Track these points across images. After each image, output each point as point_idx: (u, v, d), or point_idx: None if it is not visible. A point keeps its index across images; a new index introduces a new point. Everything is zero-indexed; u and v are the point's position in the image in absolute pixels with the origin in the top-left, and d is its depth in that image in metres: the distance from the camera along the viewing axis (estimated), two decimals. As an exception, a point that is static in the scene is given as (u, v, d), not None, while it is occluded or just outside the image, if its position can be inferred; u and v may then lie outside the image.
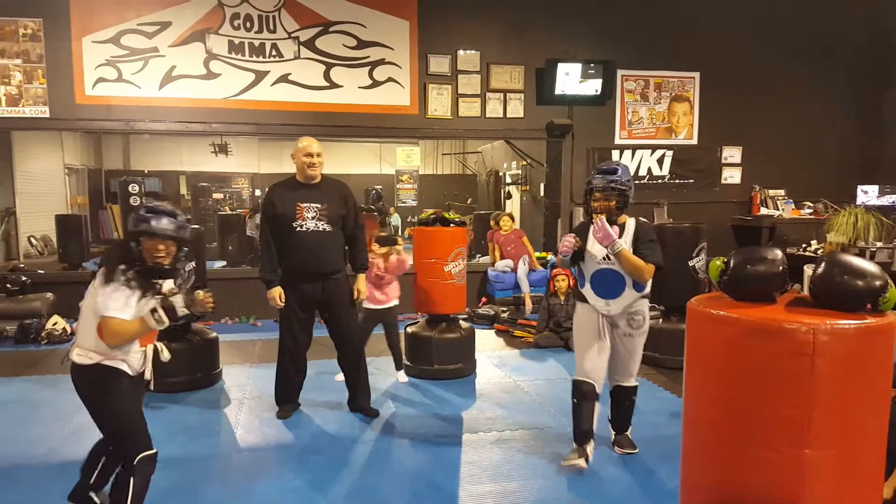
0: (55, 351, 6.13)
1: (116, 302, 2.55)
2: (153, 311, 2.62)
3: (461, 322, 5.50)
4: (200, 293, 2.80)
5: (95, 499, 2.96)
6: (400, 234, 17.21)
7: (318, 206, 4.08)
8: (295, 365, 4.35)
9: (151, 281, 2.68)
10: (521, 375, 5.40)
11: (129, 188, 11.08)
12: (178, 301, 2.68)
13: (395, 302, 5.08)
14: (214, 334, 5.27)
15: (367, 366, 4.53)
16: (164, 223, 2.66)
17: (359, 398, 4.42)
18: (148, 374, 2.86)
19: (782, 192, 8.70)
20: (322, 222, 4.08)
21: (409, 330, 5.43)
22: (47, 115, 7.09)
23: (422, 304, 5.46)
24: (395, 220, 17.60)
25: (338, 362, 4.47)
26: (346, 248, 4.31)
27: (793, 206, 8.52)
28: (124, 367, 2.69)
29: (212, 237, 10.78)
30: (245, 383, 5.16)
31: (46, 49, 6.99)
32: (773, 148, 8.66)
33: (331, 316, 4.28)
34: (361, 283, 4.32)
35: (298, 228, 4.05)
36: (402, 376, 5.21)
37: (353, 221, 4.24)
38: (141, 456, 2.70)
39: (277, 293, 4.12)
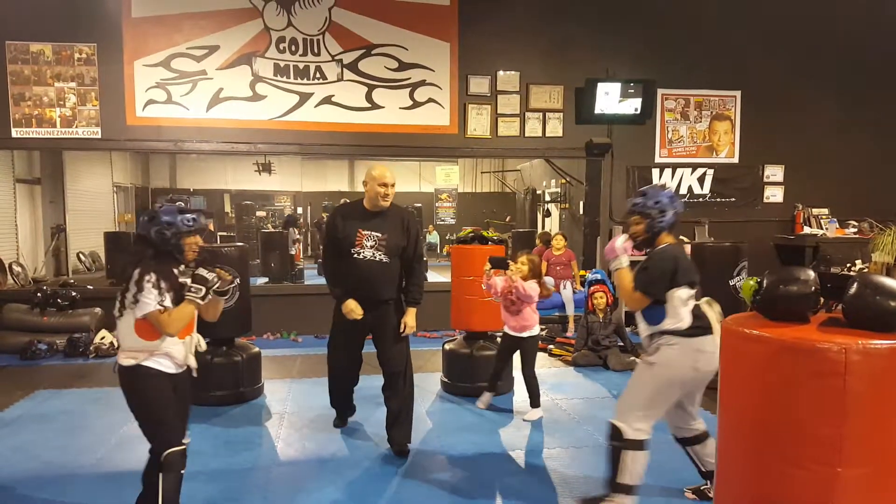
0: (103, 364, 6.33)
1: (155, 296, 2.72)
2: (188, 289, 2.79)
3: (498, 339, 5.49)
4: (220, 270, 2.96)
5: None
6: (438, 251, 17.37)
7: (378, 235, 3.99)
8: (345, 383, 4.40)
9: (173, 271, 2.85)
10: (558, 393, 5.37)
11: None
12: (202, 271, 2.85)
13: (533, 331, 4.76)
14: (257, 349, 5.38)
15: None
16: (199, 217, 2.91)
17: (394, 430, 4.14)
18: (192, 363, 2.96)
19: (826, 210, 8.51)
20: (380, 252, 3.98)
21: (447, 347, 5.45)
22: (99, 135, 7.35)
23: (459, 321, 5.49)
24: (434, 237, 17.79)
25: (382, 390, 4.25)
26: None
27: (837, 225, 8.32)
28: (164, 366, 2.83)
29: (254, 254, 11.02)
30: (286, 398, 5.24)
31: (100, 73, 7.26)
32: (817, 166, 8.48)
33: (377, 342, 4.16)
34: (410, 317, 4.11)
35: (356, 255, 3.98)
36: (533, 414, 4.74)
37: (412, 252, 4.12)
38: (167, 452, 2.78)
39: (353, 304, 4.00)
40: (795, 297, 2.18)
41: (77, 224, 13.03)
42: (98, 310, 7.03)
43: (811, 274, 2.23)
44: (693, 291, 3.13)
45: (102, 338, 6.72)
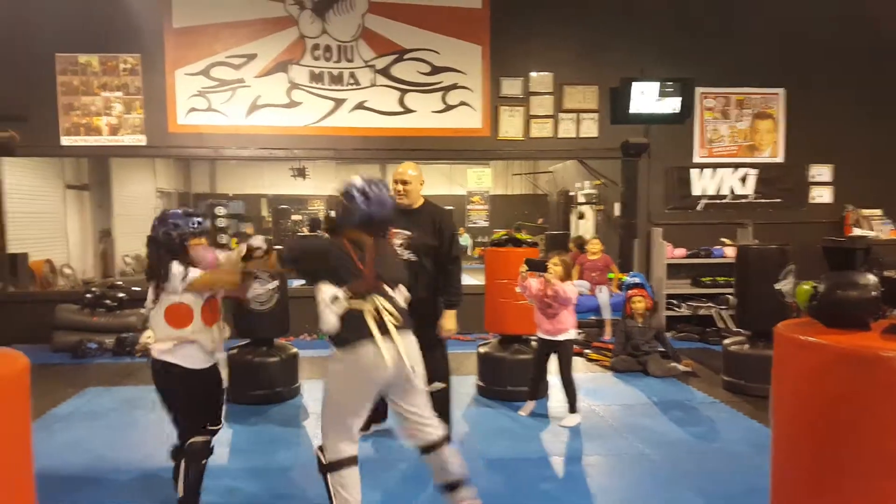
0: (149, 363, 6.50)
1: (185, 273, 2.94)
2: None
3: (533, 343, 5.44)
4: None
5: None
6: (469, 253, 17.34)
7: (408, 234, 3.97)
8: None
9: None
10: (595, 399, 5.28)
11: (216, 210, 11.70)
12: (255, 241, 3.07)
13: (569, 335, 4.69)
14: (295, 350, 5.46)
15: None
16: (204, 221, 3.13)
17: None
18: (218, 351, 3.12)
19: (879, 211, 8.19)
20: (408, 251, 3.95)
21: (481, 350, 5.43)
22: (144, 143, 7.58)
23: (493, 324, 5.47)
24: (465, 240, 17.76)
25: None
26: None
27: (891, 227, 8.01)
28: (192, 362, 3.00)
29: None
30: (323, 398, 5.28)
31: (144, 82, 7.50)
32: (868, 165, 8.17)
33: None
34: (449, 320, 4.05)
35: None
36: (570, 420, 4.67)
37: (446, 253, 4.05)
38: (191, 441, 3.01)
39: None
40: (855, 303, 2.09)
41: (123, 228, 13.45)
42: (144, 310, 7.21)
43: (871, 278, 2.13)
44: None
45: (148, 337, 6.87)
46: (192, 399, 3.04)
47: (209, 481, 3.58)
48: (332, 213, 3.04)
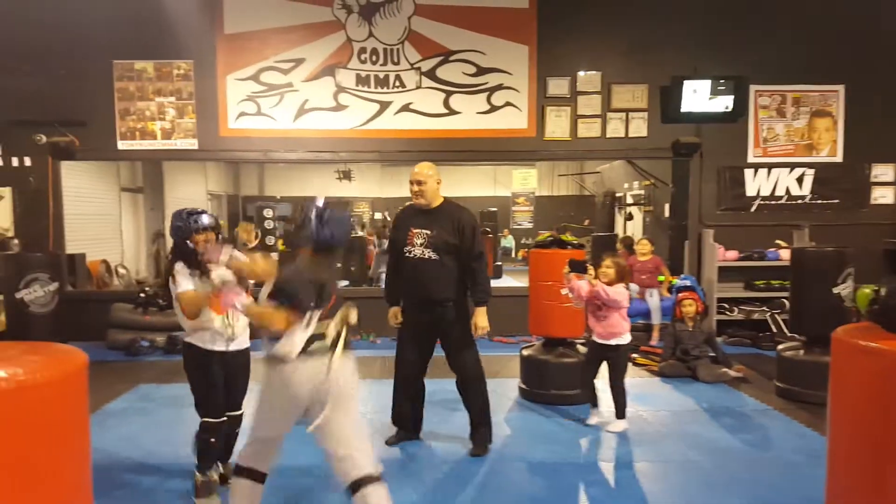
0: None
1: (180, 282, 3.27)
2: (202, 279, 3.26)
3: (578, 346, 5.36)
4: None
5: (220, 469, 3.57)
6: (513, 255, 17.26)
7: (428, 232, 4.00)
8: (405, 390, 4.24)
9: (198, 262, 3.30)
10: (643, 405, 5.17)
11: (264, 212, 11.99)
12: (217, 274, 3.19)
13: (622, 339, 4.50)
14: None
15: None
16: (204, 219, 3.36)
17: (474, 430, 4.19)
18: (233, 335, 3.36)
19: (944, 212, 7.82)
20: (429, 250, 3.97)
21: (525, 353, 5.38)
22: (196, 146, 7.79)
23: (538, 326, 5.41)
24: (509, 241, 17.68)
25: (458, 393, 4.25)
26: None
27: (955, 228, 7.63)
28: (210, 342, 3.32)
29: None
30: (366, 398, 5.29)
31: (196, 87, 7.70)
32: (935, 164, 7.82)
33: (444, 346, 4.15)
34: (480, 318, 4.03)
35: (408, 254, 4.02)
36: (617, 425, 4.54)
37: (468, 251, 4.01)
38: (203, 420, 3.38)
39: (393, 312, 4.20)
40: None
41: (175, 230, 13.82)
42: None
43: None
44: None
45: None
46: (205, 377, 3.36)
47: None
48: (291, 229, 3.02)
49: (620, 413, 4.57)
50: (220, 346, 3.34)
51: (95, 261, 10.29)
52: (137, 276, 12.32)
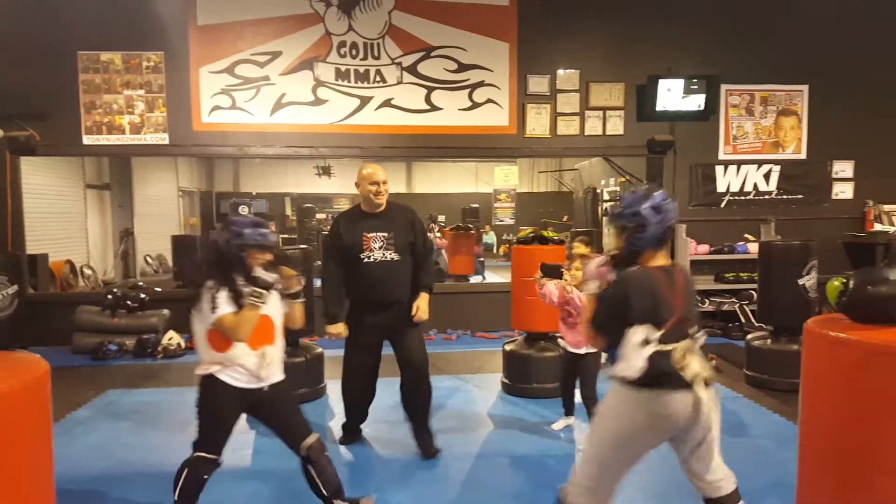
0: (171, 364, 6.51)
1: (218, 304, 2.75)
2: (250, 294, 2.80)
3: (560, 341, 5.38)
4: (285, 269, 2.99)
5: None
6: (495, 251, 17.31)
7: (385, 235, 3.92)
8: (362, 396, 4.22)
9: (237, 281, 2.84)
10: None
11: (239, 209, 11.76)
12: (262, 273, 2.88)
13: (592, 348, 4.12)
14: (320, 349, 5.43)
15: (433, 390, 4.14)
16: (270, 234, 2.93)
17: (418, 431, 4.07)
18: (267, 376, 2.91)
19: (899, 206, 8.11)
20: (390, 251, 3.92)
21: (508, 348, 5.40)
22: (167, 141, 7.57)
23: (520, 321, 5.44)
24: (491, 237, 17.73)
25: (399, 388, 4.12)
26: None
27: (911, 222, 7.92)
28: (236, 379, 2.85)
29: (316, 256, 11.17)
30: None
31: (167, 80, 7.49)
32: (890, 161, 8.11)
33: (395, 340, 4.05)
34: (423, 302, 3.98)
35: (366, 260, 3.90)
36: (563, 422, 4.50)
37: (421, 246, 4.04)
38: (199, 453, 2.89)
39: (341, 329, 4.00)
40: (885, 299, 2.09)
41: (144, 228, 13.51)
42: (166, 311, 7.22)
43: None
44: (658, 333, 2.35)
45: (170, 339, 6.89)
46: (219, 412, 2.91)
47: (232, 484, 3.59)
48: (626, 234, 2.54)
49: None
50: (247, 385, 2.88)
51: (59, 261, 10.02)
52: (105, 277, 12.03)
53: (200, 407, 2.91)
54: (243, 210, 9.64)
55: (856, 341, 1.97)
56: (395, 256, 3.93)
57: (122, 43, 7.44)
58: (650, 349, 2.34)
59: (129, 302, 7.19)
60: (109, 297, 7.26)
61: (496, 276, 11.92)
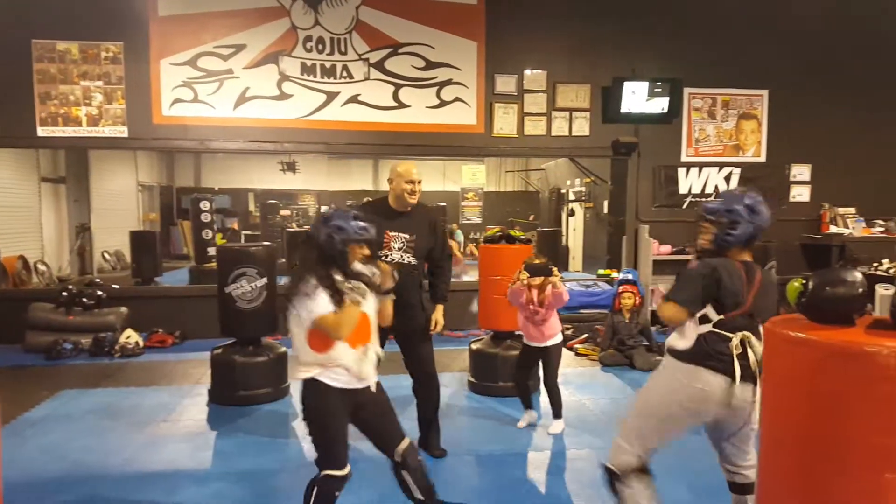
0: (128, 363, 6.33)
1: (319, 302, 2.61)
2: (351, 289, 2.69)
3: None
4: (382, 264, 2.89)
5: None
6: (462, 250, 17.33)
7: (407, 237, 3.82)
8: None
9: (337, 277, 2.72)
10: (585, 394, 5.32)
11: (200, 205, 11.49)
12: (360, 267, 2.77)
13: (556, 339, 4.45)
14: (284, 349, 5.32)
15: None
16: (370, 228, 2.79)
17: (431, 434, 4.10)
18: (370, 377, 2.80)
19: (853, 210, 8.38)
20: (408, 255, 3.83)
21: (474, 347, 5.41)
22: (125, 134, 7.37)
23: (487, 320, 5.45)
24: (458, 235, 17.75)
25: (414, 392, 4.13)
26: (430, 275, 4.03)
27: (864, 225, 8.20)
28: (340, 381, 2.71)
29: (280, 253, 11.02)
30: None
31: (126, 71, 7.29)
32: (844, 165, 8.36)
33: (403, 345, 4.03)
34: (440, 314, 3.98)
35: (383, 258, 3.75)
36: (556, 426, 4.49)
37: (440, 252, 3.99)
38: (326, 472, 2.74)
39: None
40: (843, 300, 2.13)
41: (102, 223, 13.13)
42: (124, 309, 7.04)
43: (858, 275, 2.18)
44: (718, 317, 2.59)
45: (128, 337, 6.70)
46: (331, 419, 2.74)
47: (194, 487, 3.52)
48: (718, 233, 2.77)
49: (557, 413, 4.53)
50: (351, 385, 2.74)
51: (11, 257, 9.67)
52: (60, 274, 11.65)
53: (310, 417, 2.75)
54: (204, 206, 9.40)
55: (814, 341, 1.99)
56: (413, 260, 3.84)
57: (80, 32, 7.21)
58: (705, 328, 2.59)
59: (85, 299, 6.97)
60: (64, 293, 7.02)
61: (463, 275, 11.93)
